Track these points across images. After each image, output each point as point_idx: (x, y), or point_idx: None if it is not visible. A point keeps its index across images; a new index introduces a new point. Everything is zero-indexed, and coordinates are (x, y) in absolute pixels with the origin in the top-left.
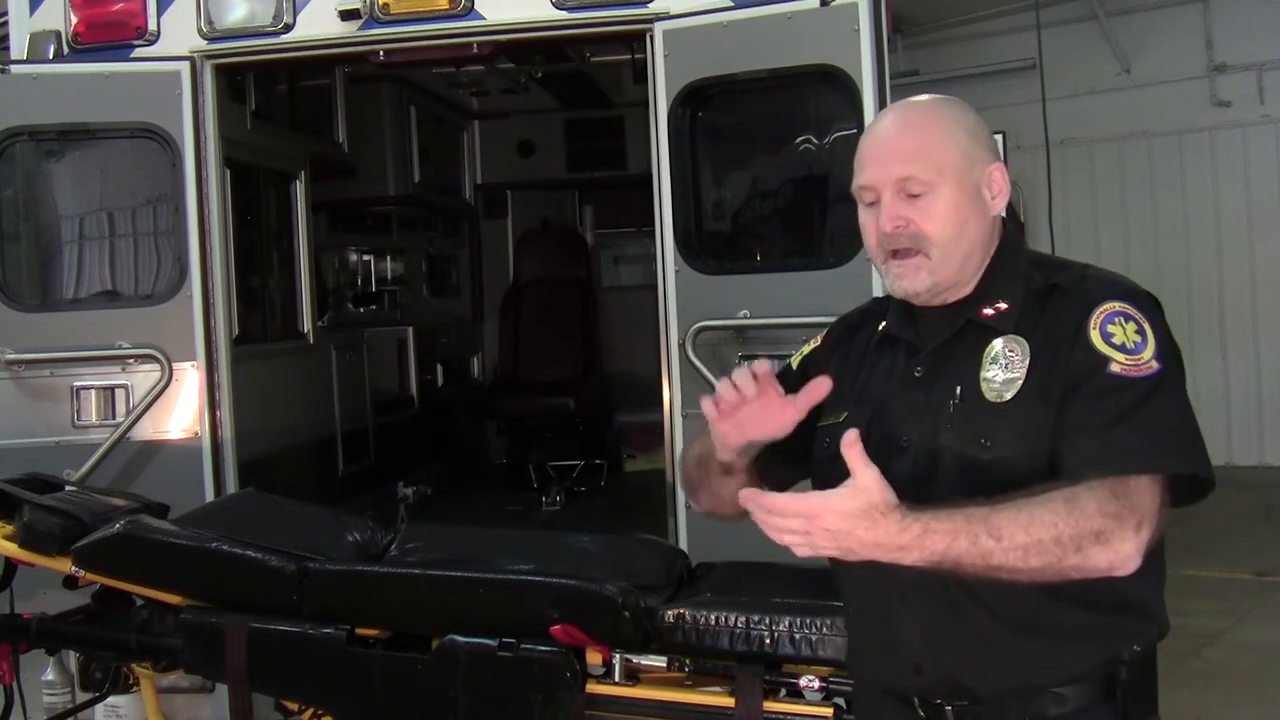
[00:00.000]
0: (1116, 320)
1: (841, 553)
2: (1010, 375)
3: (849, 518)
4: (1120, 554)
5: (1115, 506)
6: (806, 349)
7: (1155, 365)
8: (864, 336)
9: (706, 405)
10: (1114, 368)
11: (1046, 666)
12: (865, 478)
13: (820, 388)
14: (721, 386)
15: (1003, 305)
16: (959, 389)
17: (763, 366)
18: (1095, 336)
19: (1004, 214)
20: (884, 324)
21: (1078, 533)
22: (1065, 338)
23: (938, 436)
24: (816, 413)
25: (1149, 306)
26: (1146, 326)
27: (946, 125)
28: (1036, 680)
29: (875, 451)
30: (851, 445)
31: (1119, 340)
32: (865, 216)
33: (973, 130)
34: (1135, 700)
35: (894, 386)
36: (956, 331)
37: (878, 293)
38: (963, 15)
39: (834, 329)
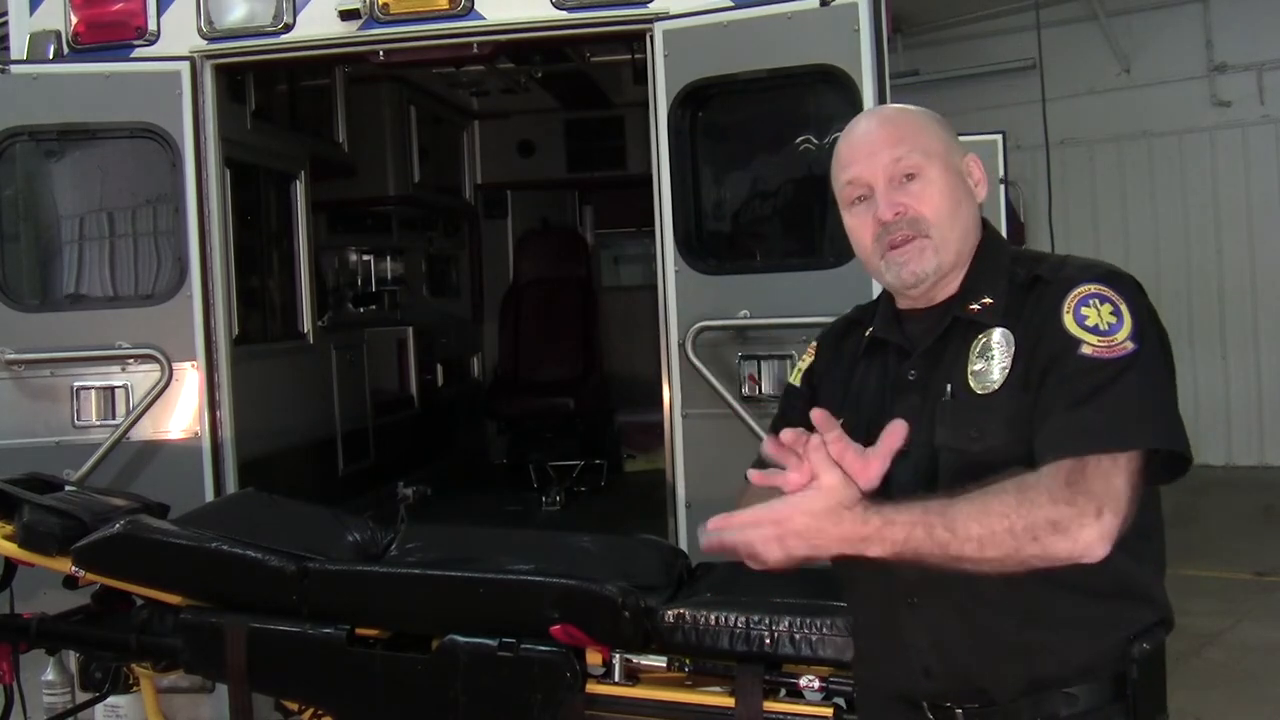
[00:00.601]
0: (1091, 303)
1: (811, 550)
2: (995, 366)
3: (817, 517)
4: (1081, 542)
5: (1068, 494)
6: (804, 364)
7: (1130, 346)
8: (851, 344)
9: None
10: (1085, 350)
11: (1054, 659)
12: (829, 478)
13: (897, 432)
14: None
15: (988, 300)
16: (949, 386)
17: (789, 435)
18: (1069, 320)
19: (995, 216)
20: (870, 330)
21: (1030, 523)
22: (1046, 324)
23: (934, 436)
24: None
25: (1128, 288)
26: (1123, 307)
27: (922, 117)
28: (1046, 675)
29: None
30: (816, 449)
31: (1092, 322)
32: (854, 218)
33: (944, 124)
34: (1146, 700)
35: (889, 391)
36: (944, 330)
37: (878, 292)
38: (963, 15)
39: (824, 339)
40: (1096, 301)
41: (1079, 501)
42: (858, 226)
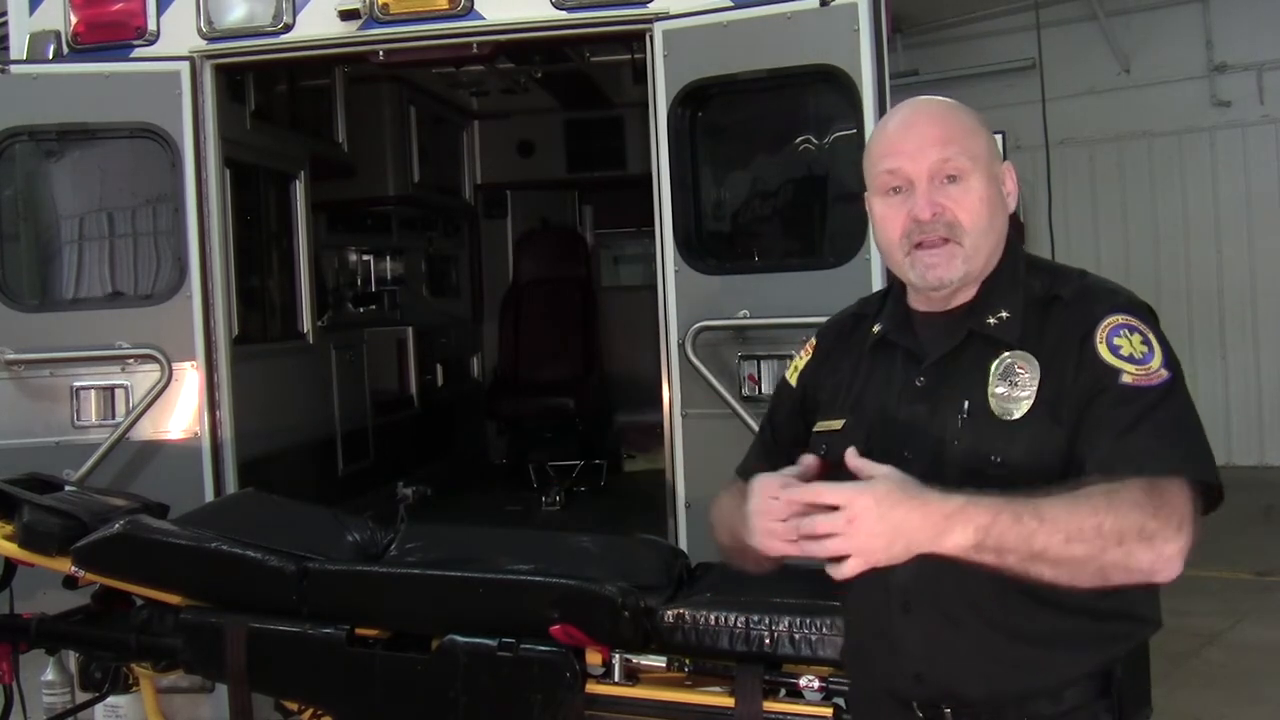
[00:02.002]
0: (1121, 333)
1: (887, 543)
2: (1020, 393)
3: (890, 492)
4: (1163, 555)
5: (1153, 505)
6: (800, 361)
7: (1165, 374)
8: (857, 339)
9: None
10: (1126, 379)
11: (1047, 672)
12: (883, 469)
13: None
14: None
15: (1004, 314)
16: (966, 404)
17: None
18: (1104, 350)
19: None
20: (878, 327)
21: (1120, 526)
22: (1070, 353)
23: (944, 451)
24: (813, 416)
25: (1149, 318)
26: (1151, 337)
27: (971, 119)
28: (1037, 685)
29: (876, 462)
30: (855, 459)
31: (1127, 352)
32: (887, 207)
33: (988, 127)
34: (1131, 695)
35: (894, 396)
36: (960, 343)
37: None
38: (963, 15)
39: (824, 337)
40: (1126, 331)
41: (1163, 513)
42: (888, 217)
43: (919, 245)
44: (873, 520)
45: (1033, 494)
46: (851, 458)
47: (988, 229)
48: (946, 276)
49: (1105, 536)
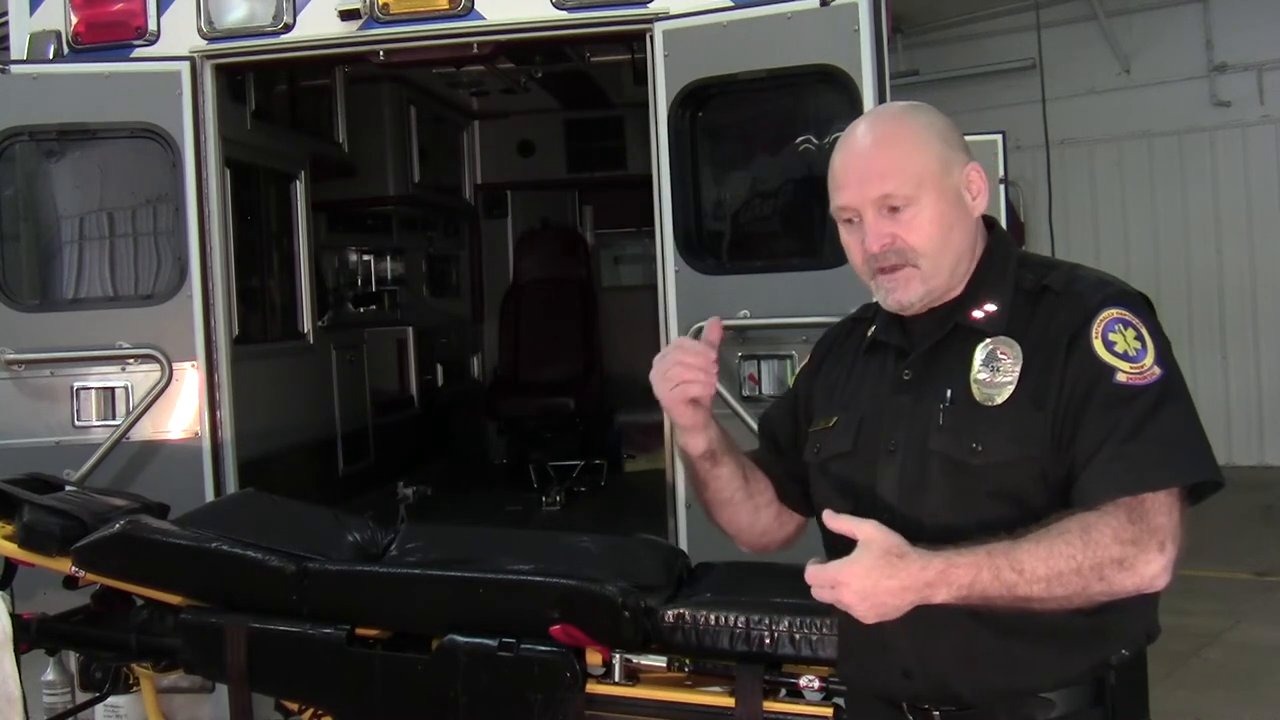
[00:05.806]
0: (1116, 328)
1: (877, 611)
2: (1002, 379)
3: (871, 570)
4: (1145, 576)
5: (1132, 532)
6: (801, 367)
7: (1158, 371)
8: (853, 343)
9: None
10: (1120, 377)
11: (1034, 670)
12: (865, 530)
13: (714, 330)
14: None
15: (991, 307)
16: (949, 392)
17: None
18: (1098, 345)
19: (996, 216)
20: (873, 329)
21: (1096, 562)
22: (1060, 343)
23: (927, 440)
24: (809, 419)
25: (1143, 309)
26: (1144, 331)
27: (918, 134)
28: (1024, 684)
29: (864, 456)
30: (833, 519)
31: (1121, 349)
32: (847, 236)
33: (944, 134)
34: (1125, 705)
35: (883, 391)
36: (944, 335)
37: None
38: (963, 15)
39: (821, 343)
40: (1121, 326)
41: (1143, 539)
42: (850, 244)
43: (880, 270)
44: (859, 599)
45: (1015, 541)
46: (829, 519)
47: (943, 247)
48: (905, 299)
49: (1085, 575)
